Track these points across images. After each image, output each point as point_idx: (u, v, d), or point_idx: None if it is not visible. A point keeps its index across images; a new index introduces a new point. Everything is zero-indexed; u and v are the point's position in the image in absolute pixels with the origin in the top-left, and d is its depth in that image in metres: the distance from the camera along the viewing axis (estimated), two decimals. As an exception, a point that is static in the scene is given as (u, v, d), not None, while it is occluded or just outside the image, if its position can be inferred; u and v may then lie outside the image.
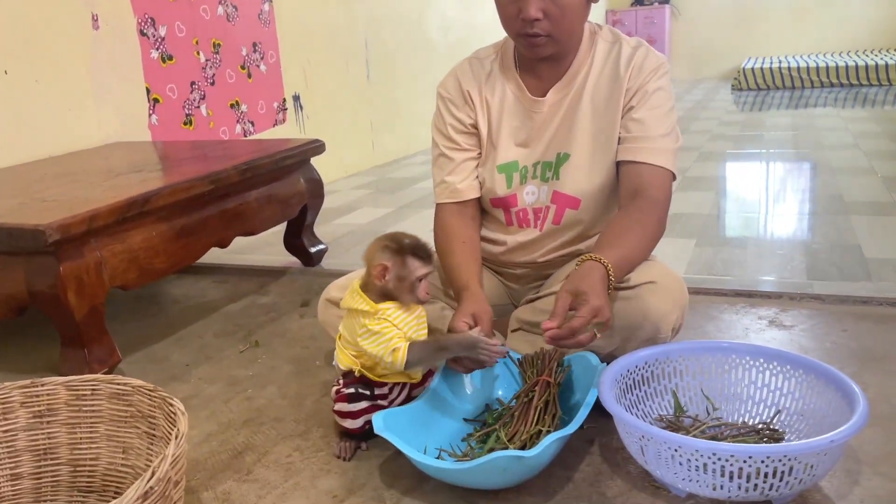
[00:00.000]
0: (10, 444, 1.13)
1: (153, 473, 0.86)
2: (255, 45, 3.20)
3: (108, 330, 1.62)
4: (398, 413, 1.20)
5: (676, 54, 8.02)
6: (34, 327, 1.98)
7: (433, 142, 1.50)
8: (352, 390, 1.25)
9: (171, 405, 1.04)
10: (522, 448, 1.14)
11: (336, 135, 3.83)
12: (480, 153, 1.47)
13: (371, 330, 1.19)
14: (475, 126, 1.45)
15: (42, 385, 1.14)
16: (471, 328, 1.23)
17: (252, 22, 3.18)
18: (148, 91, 2.69)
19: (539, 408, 1.21)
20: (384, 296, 1.21)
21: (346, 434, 1.29)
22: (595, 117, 1.37)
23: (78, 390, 1.15)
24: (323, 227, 2.83)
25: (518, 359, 1.35)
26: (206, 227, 1.87)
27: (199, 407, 1.51)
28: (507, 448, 1.14)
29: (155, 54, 2.69)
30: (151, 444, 1.09)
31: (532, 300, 1.46)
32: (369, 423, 1.19)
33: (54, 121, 2.34)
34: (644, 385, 1.27)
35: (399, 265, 1.19)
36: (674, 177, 1.37)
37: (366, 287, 1.23)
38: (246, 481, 1.24)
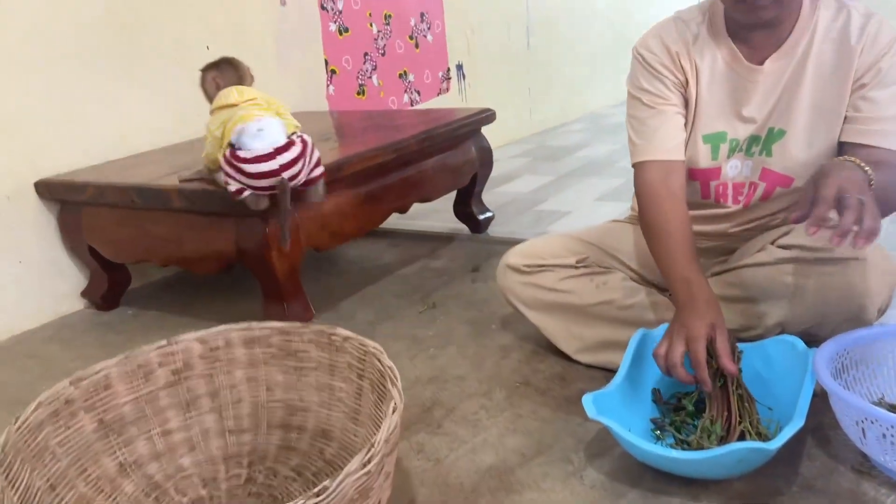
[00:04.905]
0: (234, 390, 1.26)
1: (370, 459, 0.85)
2: (422, 14, 3.28)
3: (303, 288, 1.76)
4: (608, 396, 1.19)
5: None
6: (235, 282, 2.17)
7: (631, 102, 1.39)
8: None
9: (386, 367, 1.10)
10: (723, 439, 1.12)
11: (495, 102, 3.84)
12: (686, 117, 1.38)
13: None
14: (684, 87, 1.35)
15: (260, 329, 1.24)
16: (711, 341, 1.14)
17: (420, -8, 3.26)
18: (326, 62, 2.83)
19: (740, 395, 1.18)
20: None
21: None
22: (817, 91, 1.27)
23: (290, 336, 1.25)
24: (485, 195, 2.87)
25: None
26: (388, 193, 1.97)
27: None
28: (724, 438, 1.11)
29: (333, 27, 2.83)
30: (358, 397, 1.17)
31: (720, 273, 1.42)
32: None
33: (247, 92, 2.53)
34: (853, 369, 1.21)
35: None
36: None
37: None
38: (437, 434, 1.31)
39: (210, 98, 1.70)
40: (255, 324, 1.26)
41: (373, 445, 0.88)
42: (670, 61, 1.34)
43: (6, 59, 1.89)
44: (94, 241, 1.95)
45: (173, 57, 2.27)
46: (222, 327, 1.24)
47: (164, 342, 1.20)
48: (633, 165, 1.38)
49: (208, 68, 1.73)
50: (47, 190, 1.93)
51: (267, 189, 1.55)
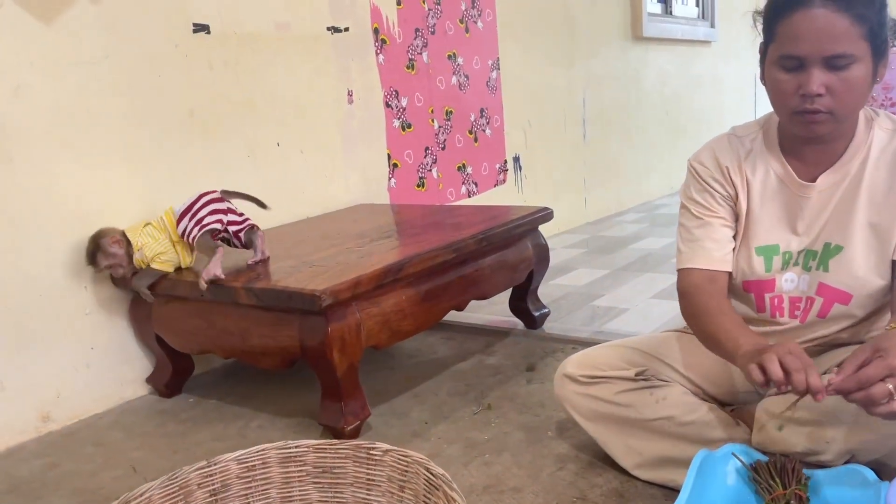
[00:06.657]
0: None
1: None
2: (482, 110, 3.39)
3: (361, 386, 1.78)
4: None
5: (919, 102, 7.27)
6: (294, 373, 2.21)
7: (682, 211, 1.44)
8: None
9: (439, 475, 1.12)
10: None
11: (550, 192, 3.92)
12: (736, 229, 1.41)
13: None
14: (734, 200, 1.39)
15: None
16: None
17: (481, 89, 3.37)
18: (389, 157, 2.94)
19: None
20: None
21: None
22: (872, 210, 1.29)
23: (325, 453, 1.26)
24: (540, 288, 2.88)
25: (751, 464, 1.29)
26: (446, 291, 2.00)
27: (441, 467, 1.60)
28: None
29: (396, 123, 2.95)
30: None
31: (783, 392, 1.39)
32: None
33: (313, 185, 2.64)
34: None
35: None
36: None
37: None
38: (492, 550, 1.30)
39: (118, 257, 1.95)
40: (291, 442, 1.28)
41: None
42: (721, 175, 1.39)
43: (96, 154, 2.02)
44: (161, 331, 2.02)
45: (246, 154, 2.40)
46: (260, 447, 1.26)
47: (203, 463, 1.22)
48: (678, 271, 1.42)
49: (99, 251, 1.95)
50: (122, 280, 2.03)
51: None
